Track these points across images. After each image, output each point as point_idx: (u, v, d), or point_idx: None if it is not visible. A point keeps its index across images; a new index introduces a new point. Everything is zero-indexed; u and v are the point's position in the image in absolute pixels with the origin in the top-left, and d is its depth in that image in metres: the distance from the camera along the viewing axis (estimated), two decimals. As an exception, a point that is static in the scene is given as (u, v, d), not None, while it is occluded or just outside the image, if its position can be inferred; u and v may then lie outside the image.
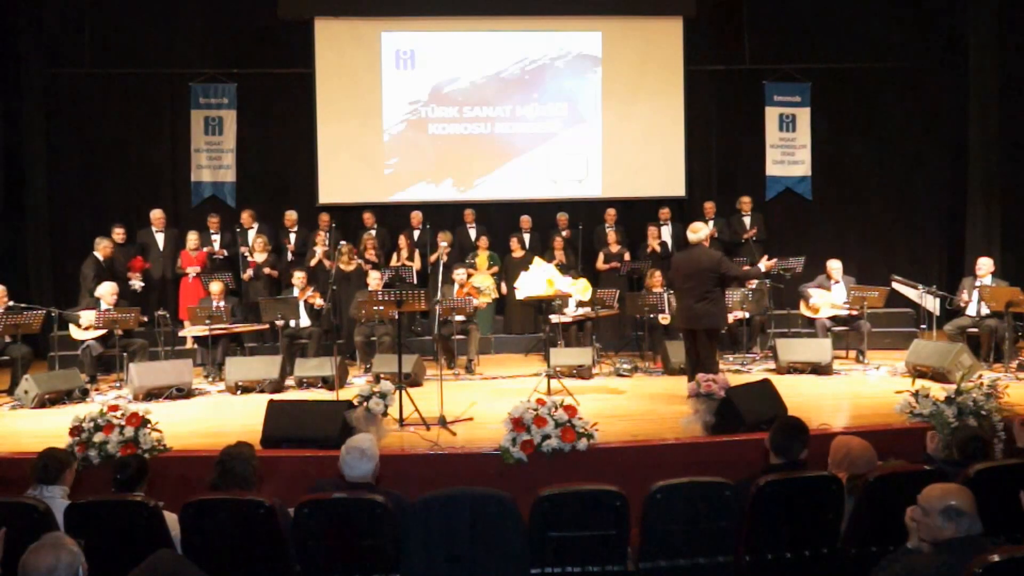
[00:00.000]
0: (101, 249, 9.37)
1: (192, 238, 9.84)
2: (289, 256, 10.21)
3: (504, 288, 10.13)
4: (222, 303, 8.78)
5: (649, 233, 10.53)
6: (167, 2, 11.03)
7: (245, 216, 10.35)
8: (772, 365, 8.47)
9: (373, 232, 10.44)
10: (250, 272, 9.87)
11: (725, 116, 11.77)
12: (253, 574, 3.53)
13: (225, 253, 10.16)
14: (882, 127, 11.62)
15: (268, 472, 4.02)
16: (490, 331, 10.30)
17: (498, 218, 11.34)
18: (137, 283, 9.54)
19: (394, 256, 10.44)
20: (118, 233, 9.71)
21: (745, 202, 10.76)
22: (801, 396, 6.99)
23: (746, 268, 7.87)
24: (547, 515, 3.42)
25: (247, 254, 9.94)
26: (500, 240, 10.87)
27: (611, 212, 10.87)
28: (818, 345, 8.31)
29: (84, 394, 7.62)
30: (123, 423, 5.28)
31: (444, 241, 10.02)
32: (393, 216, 11.12)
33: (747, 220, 10.65)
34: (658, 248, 10.41)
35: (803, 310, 9.12)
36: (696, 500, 3.50)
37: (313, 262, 9.78)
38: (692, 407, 5.69)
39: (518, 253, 10.38)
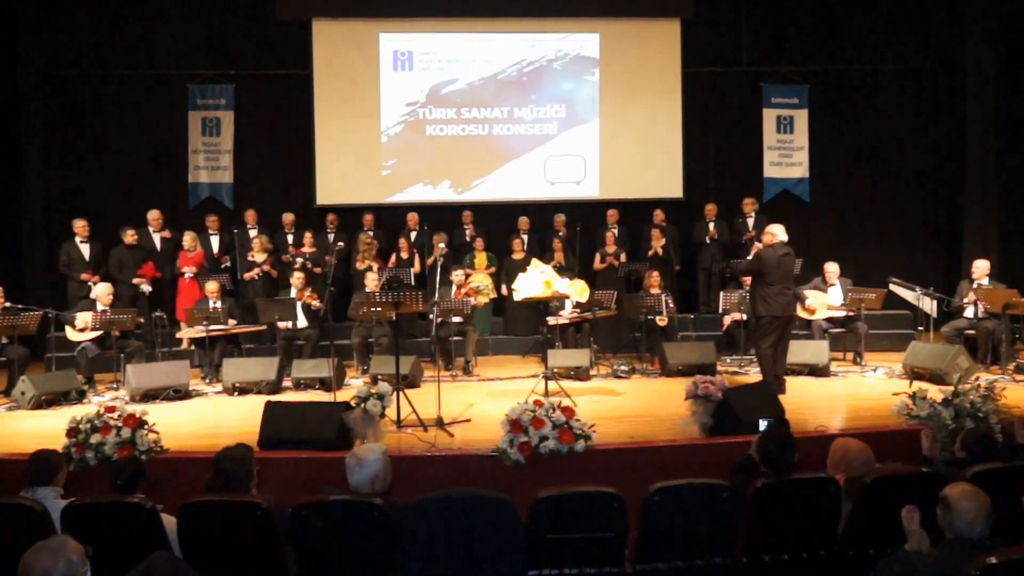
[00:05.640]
0: (78, 230, 9.46)
1: (188, 239, 9.82)
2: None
3: (504, 289, 10.11)
4: (219, 303, 8.76)
5: (653, 235, 10.52)
6: (166, 2, 11.02)
7: (249, 215, 10.36)
8: (770, 367, 8.46)
9: (372, 233, 10.44)
10: (254, 272, 9.86)
11: (723, 118, 11.79)
12: (250, 576, 3.53)
13: (228, 263, 10.16)
14: (879, 129, 11.64)
15: (265, 474, 4.00)
16: (488, 332, 10.29)
17: (496, 220, 11.34)
18: (145, 287, 9.53)
19: (392, 257, 10.44)
20: (130, 235, 9.67)
21: (748, 203, 10.76)
22: (798, 398, 7.00)
23: None
24: (545, 517, 3.41)
25: (251, 258, 9.94)
26: (498, 241, 10.87)
27: (612, 213, 10.87)
28: (815, 347, 8.32)
29: (81, 395, 7.61)
30: (120, 424, 5.28)
31: (441, 243, 10.02)
32: (391, 217, 11.11)
33: (750, 222, 10.64)
34: (660, 251, 10.40)
35: (799, 312, 9.11)
36: (694, 502, 3.50)
37: (297, 263, 9.75)
38: (689, 409, 5.69)
39: (519, 255, 10.35)
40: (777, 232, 7.24)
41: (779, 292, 7.05)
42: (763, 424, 5.15)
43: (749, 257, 7.34)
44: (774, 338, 7.12)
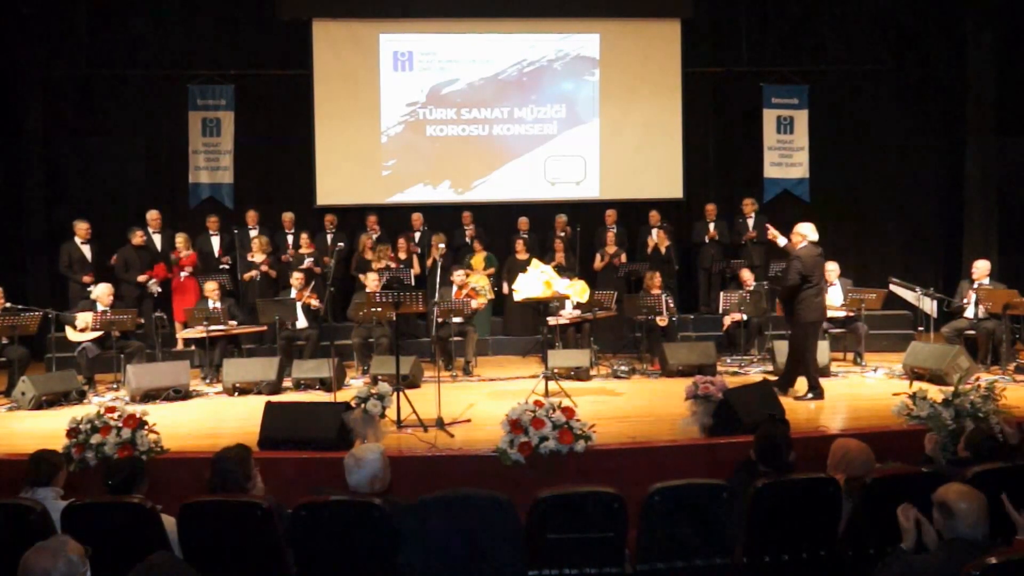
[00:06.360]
0: (79, 232, 9.48)
1: (180, 240, 9.76)
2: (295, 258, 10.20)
3: (505, 288, 10.11)
4: (219, 304, 8.76)
5: (657, 235, 10.51)
6: (165, 3, 11.03)
7: (250, 216, 10.37)
8: (770, 367, 8.46)
9: (374, 235, 10.43)
10: (254, 272, 9.87)
11: (723, 118, 11.79)
12: (250, 576, 3.53)
13: (229, 263, 10.15)
14: (880, 129, 11.64)
15: (265, 474, 4.00)
16: (488, 333, 10.29)
17: (496, 220, 11.34)
18: (155, 288, 9.51)
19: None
20: (138, 236, 9.68)
21: (748, 204, 10.76)
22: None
23: None
24: (545, 517, 3.41)
25: (251, 258, 9.95)
26: (498, 242, 10.87)
27: (611, 213, 10.87)
28: (815, 347, 8.30)
29: (81, 396, 7.61)
30: (120, 425, 5.28)
31: (440, 243, 10.02)
32: (391, 218, 11.11)
33: (750, 222, 10.64)
34: (663, 251, 10.39)
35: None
36: (694, 502, 3.50)
37: (305, 264, 9.76)
38: (690, 409, 5.69)
39: (522, 255, 10.28)
40: (808, 232, 7.00)
41: (816, 294, 6.92)
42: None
43: (792, 262, 6.87)
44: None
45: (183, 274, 9.69)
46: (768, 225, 7.71)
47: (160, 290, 9.57)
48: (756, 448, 3.98)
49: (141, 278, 9.48)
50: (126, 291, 9.43)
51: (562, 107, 11.57)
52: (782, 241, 7.27)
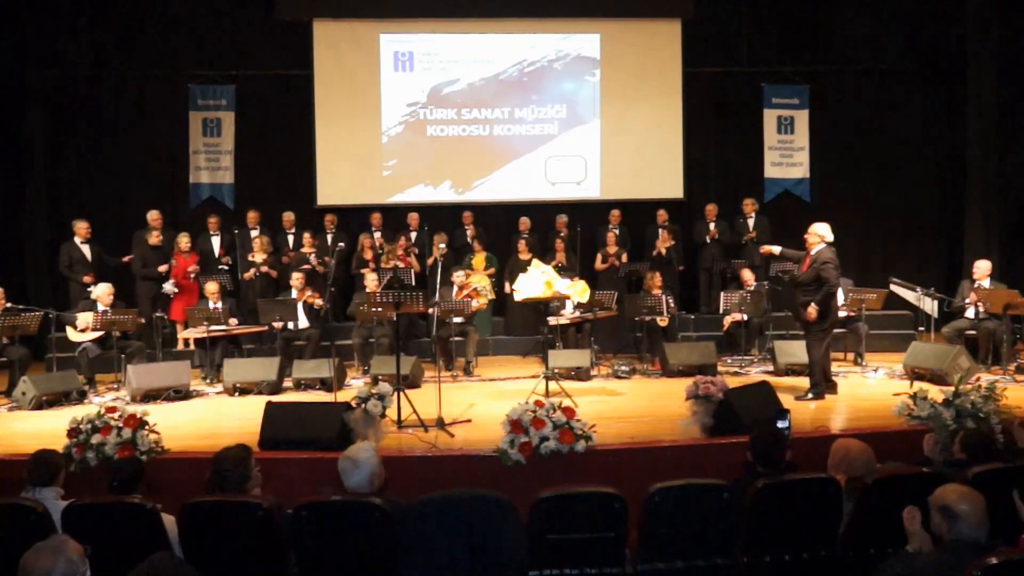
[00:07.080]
0: (78, 231, 9.48)
1: (184, 240, 9.78)
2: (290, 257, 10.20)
3: (507, 288, 10.10)
4: (219, 304, 8.77)
5: (660, 236, 10.51)
6: (166, 3, 11.03)
7: (251, 216, 10.37)
8: (770, 367, 8.47)
9: (378, 234, 10.44)
10: (252, 272, 9.87)
11: (723, 118, 11.78)
12: (251, 576, 3.53)
13: (230, 263, 10.16)
14: (880, 129, 11.64)
15: (266, 474, 4.00)
16: (488, 333, 10.29)
17: (496, 220, 11.34)
18: (170, 289, 9.52)
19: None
20: (154, 236, 9.70)
21: (748, 204, 10.75)
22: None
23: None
24: (545, 517, 3.41)
25: (252, 258, 9.95)
26: (499, 242, 10.87)
27: (615, 213, 10.86)
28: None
29: (82, 396, 7.60)
30: (121, 425, 5.27)
31: (441, 243, 10.02)
32: (392, 218, 11.11)
33: (751, 222, 10.63)
34: (664, 252, 10.40)
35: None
36: (694, 502, 3.50)
37: (307, 265, 9.76)
38: (690, 409, 5.69)
39: (524, 255, 10.24)
40: (825, 233, 7.01)
41: (834, 295, 6.99)
42: (781, 424, 5.10)
43: (825, 265, 6.82)
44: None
45: (192, 274, 9.70)
46: (763, 248, 7.73)
47: (177, 291, 9.56)
48: (751, 449, 3.97)
49: (162, 268, 9.53)
50: (143, 289, 9.45)
51: (563, 107, 11.57)
52: (777, 250, 7.32)
